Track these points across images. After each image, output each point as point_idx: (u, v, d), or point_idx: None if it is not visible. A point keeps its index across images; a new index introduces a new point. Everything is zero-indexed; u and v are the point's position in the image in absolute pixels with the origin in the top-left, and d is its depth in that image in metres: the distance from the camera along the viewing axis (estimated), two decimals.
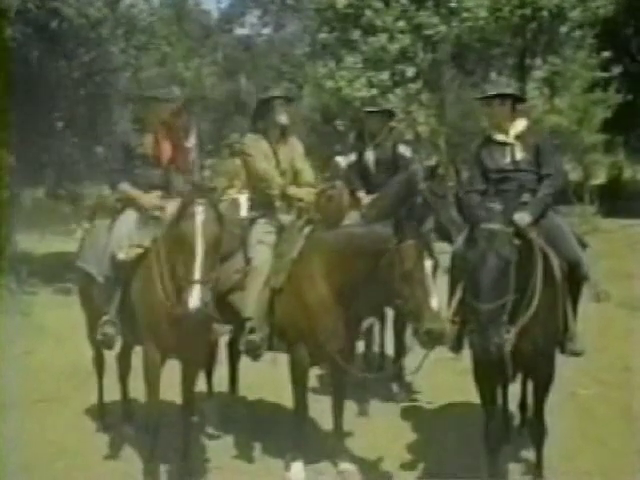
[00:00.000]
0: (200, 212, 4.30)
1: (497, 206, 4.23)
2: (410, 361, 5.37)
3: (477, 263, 4.00)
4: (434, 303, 4.27)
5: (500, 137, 4.89)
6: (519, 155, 4.83)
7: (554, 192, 4.80)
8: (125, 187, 5.21)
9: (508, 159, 4.85)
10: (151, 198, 5.10)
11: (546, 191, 4.72)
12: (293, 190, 5.26)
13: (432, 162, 7.47)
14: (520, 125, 4.89)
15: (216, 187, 5.38)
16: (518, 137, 4.85)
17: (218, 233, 4.37)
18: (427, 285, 4.30)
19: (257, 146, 5.33)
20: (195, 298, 4.14)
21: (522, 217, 4.34)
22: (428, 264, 4.35)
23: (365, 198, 6.36)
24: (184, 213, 4.35)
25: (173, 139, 5.32)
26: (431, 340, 4.24)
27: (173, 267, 4.45)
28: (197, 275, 4.18)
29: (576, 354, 4.72)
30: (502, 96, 4.88)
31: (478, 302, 3.97)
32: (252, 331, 4.89)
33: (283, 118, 5.30)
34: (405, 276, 4.30)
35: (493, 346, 3.94)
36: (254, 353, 4.95)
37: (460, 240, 4.56)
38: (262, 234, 5.15)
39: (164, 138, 5.26)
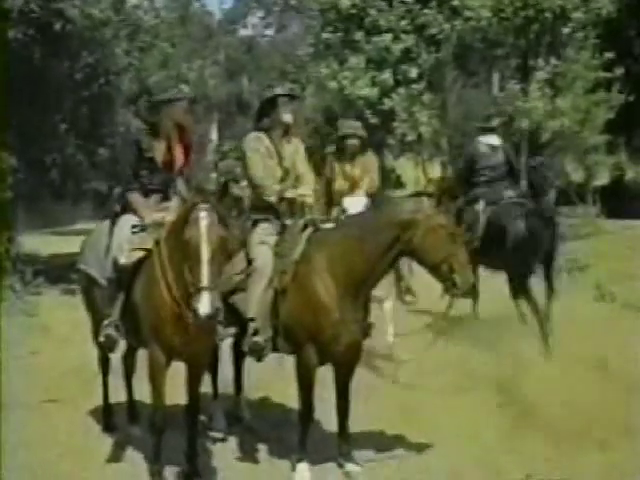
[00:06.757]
0: (204, 217, 4.23)
1: None
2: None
3: None
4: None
5: None
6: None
7: None
8: (134, 198, 5.11)
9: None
10: (152, 214, 4.99)
11: None
12: (291, 193, 5.23)
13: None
14: None
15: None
16: None
17: (223, 236, 4.32)
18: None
19: (258, 145, 5.26)
20: (205, 305, 4.09)
21: None
22: None
23: None
24: (188, 218, 4.28)
25: (185, 142, 5.24)
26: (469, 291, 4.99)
27: (179, 272, 4.39)
28: (205, 282, 4.13)
29: None
30: None
31: None
32: (256, 332, 4.88)
33: (288, 117, 5.25)
34: (450, 236, 4.68)
35: None
36: (258, 354, 4.95)
37: None
38: (263, 235, 5.13)
39: (177, 143, 5.18)
